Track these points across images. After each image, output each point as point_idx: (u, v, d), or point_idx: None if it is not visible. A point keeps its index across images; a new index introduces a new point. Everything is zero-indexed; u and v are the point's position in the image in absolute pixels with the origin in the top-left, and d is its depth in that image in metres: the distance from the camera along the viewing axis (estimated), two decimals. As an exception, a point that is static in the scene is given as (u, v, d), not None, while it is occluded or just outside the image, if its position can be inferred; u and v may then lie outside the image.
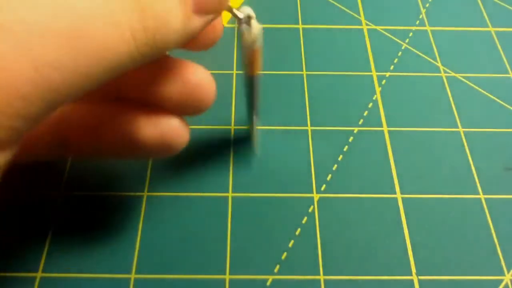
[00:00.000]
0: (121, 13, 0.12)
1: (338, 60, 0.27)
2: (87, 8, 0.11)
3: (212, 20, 0.14)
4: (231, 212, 0.21)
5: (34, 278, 0.19)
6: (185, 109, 0.16)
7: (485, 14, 0.30)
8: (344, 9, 0.30)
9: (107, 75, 0.12)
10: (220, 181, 0.22)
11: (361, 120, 0.24)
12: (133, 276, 0.19)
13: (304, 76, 0.26)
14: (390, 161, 0.23)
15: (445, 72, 0.27)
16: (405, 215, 0.21)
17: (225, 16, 0.29)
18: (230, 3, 0.15)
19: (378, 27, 0.29)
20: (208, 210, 0.21)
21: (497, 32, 0.29)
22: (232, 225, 0.21)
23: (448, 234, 0.21)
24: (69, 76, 0.11)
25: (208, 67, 0.18)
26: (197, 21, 0.14)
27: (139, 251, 0.20)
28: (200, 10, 0.13)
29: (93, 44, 0.11)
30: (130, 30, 0.12)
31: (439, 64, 0.27)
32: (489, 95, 0.26)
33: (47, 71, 0.11)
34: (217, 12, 0.14)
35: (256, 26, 0.16)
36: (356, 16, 0.29)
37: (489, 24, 0.29)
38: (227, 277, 0.19)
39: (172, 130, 0.16)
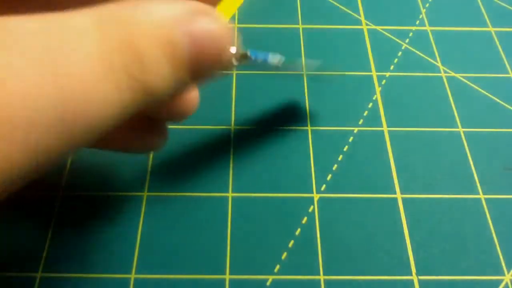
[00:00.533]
0: (125, 89, 0.11)
1: (338, 60, 0.27)
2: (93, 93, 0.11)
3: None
4: (231, 212, 0.21)
5: (34, 278, 0.19)
6: (173, 118, 0.18)
7: (485, 14, 0.30)
8: (344, 9, 0.30)
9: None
10: (220, 181, 0.22)
11: (361, 120, 0.24)
12: (133, 276, 0.19)
13: (304, 76, 0.26)
14: (390, 161, 0.23)
15: (445, 72, 0.27)
16: (405, 215, 0.21)
17: (227, 13, 0.29)
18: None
19: (378, 27, 0.29)
20: (208, 210, 0.21)
21: (497, 32, 0.29)
22: (232, 225, 0.21)
23: (448, 234, 0.21)
24: (71, 147, 0.12)
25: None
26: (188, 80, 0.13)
27: (139, 251, 0.20)
28: (195, 77, 0.13)
29: (92, 122, 0.11)
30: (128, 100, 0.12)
31: (439, 64, 0.27)
32: (489, 95, 0.26)
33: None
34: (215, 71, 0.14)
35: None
36: (356, 16, 0.29)
37: (489, 24, 0.29)
38: (227, 277, 0.19)
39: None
